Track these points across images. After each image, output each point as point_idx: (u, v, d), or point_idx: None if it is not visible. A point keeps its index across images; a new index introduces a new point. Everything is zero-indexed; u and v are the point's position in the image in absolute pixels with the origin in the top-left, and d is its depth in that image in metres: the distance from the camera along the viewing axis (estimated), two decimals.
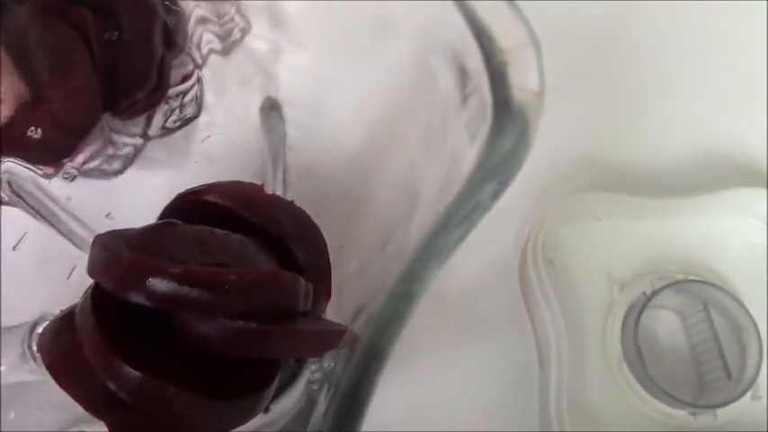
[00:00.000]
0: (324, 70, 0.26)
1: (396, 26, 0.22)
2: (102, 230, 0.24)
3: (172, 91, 0.30)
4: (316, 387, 0.24)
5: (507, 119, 0.16)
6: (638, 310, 0.33)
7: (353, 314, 0.25)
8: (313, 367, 0.25)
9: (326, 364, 0.24)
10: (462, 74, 0.18)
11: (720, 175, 0.39)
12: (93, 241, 0.23)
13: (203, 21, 0.28)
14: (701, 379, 0.34)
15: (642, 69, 0.41)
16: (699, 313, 0.34)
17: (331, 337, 0.23)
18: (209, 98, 0.30)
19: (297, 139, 0.28)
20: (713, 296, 0.34)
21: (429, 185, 0.21)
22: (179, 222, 0.25)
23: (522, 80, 0.16)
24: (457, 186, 0.16)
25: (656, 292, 0.33)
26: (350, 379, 0.16)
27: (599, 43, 0.40)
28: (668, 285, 0.33)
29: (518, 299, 0.35)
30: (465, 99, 0.18)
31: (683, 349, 0.35)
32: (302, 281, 0.24)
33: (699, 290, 0.34)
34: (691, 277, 0.34)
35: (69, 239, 0.28)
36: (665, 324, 0.35)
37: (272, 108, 0.27)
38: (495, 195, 0.16)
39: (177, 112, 0.30)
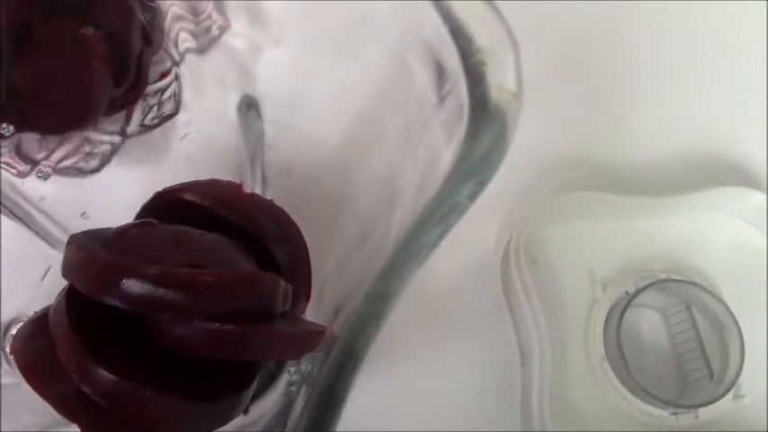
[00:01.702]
0: (303, 67, 0.26)
1: (374, 24, 0.22)
2: (78, 230, 0.24)
3: (150, 88, 0.29)
4: (294, 389, 0.24)
5: (484, 120, 0.16)
6: (620, 310, 0.33)
7: (333, 313, 0.25)
8: (292, 369, 0.25)
9: (304, 367, 0.24)
10: (440, 73, 0.18)
11: (705, 174, 0.39)
12: (68, 241, 0.23)
13: (180, 18, 0.28)
14: (684, 378, 0.34)
15: (627, 68, 0.41)
16: (681, 313, 0.34)
17: (309, 338, 0.23)
18: (187, 96, 0.29)
19: (275, 137, 0.28)
20: (696, 296, 0.34)
21: (407, 183, 0.20)
22: (156, 222, 0.25)
23: (500, 80, 0.16)
24: (435, 185, 0.16)
25: (638, 292, 0.33)
26: (326, 379, 0.16)
27: (585, 42, 0.40)
28: (651, 284, 0.33)
29: (500, 298, 0.35)
30: (442, 98, 0.18)
31: (665, 348, 0.35)
32: (281, 282, 0.23)
33: (681, 289, 0.34)
34: (674, 276, 0.34)
35: (44, 239, 0.28)
36: (648, 323, 0.35)
37: (249, 106, 0.27)
38: (473, 196, 0.16)
39: (155, 109, 0.30)
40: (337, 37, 0.24)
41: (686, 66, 0.41)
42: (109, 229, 0.24)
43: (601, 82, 0.40)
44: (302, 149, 0.27)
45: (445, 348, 0.34)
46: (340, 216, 0.26)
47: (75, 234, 0.24)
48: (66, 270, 0.23)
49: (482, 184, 0.16)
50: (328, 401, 0.15)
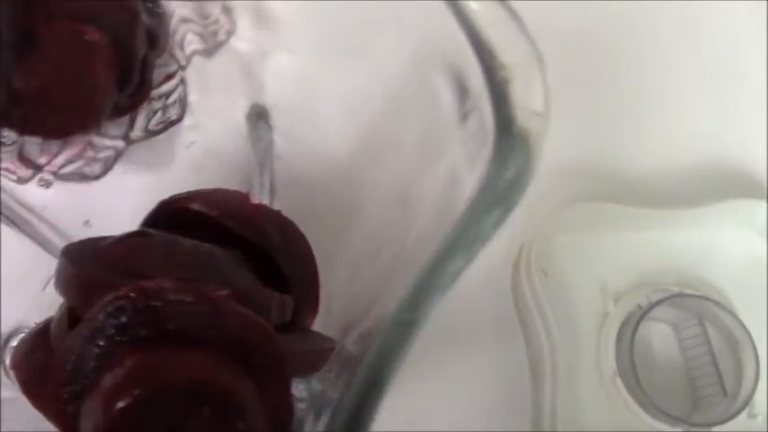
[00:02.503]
0: (313, 75, 0.25)
1: (390, 32, 0.21)
2: (79, 239, 0.23)
3: (154, 92, 0.29)
4: (302, 406, 0.23)
5: (510, 144, 0.15)
6: (633, 324, 0.32)
7: (343, 328, 0.24)
8: (300, 386, 0.24)
9: (314, 386, 0.23)
10: (461, 89, 0.17)
11: (718, 186, 0.38)
12: (62, 252, 0.22)
13: (186, 20, 0.27)
14: (695, 394, 0.33)
15: (639, 78, 0.40)
16: (694, 327, 0.34)
17: (319, 356, 0.23)
18: (193, 100, 0.29)
19: (284, 147, 0.27)
20: (709, 310, 0.33)
21: (426, 199, 0.20)
22: (151, 232, 0.24)
23: (526, 100, 0.15)
24: (457, 208, 0.16)
25: (653, 306, 0.32)
26: (351, 406, 0.15)
27: (596, 51, 0.39)
28: (665, 299, 0.32)
29: (510, 310, 0.34)
30: (464, 116, 0.17)
31: (676, 363, 0.34)
32: (274, 296, 0.22)
33: (695, 303, 0.33)
34: (687, 291, 0.33)
35: (45, 248, 0.27)
36: (659, 337, 0.35)
37: (259, 116, 0.26)
38: (498, 224, 0.15)
39: (160, 114, 0.29)
40: (350, 44, 0.24)
41: (698, 78, 0.41)
42: (106, 238, 0.24)
43: (613, 93, 0.39)
44: (312, 160, 0.26)
45: (453, 362, 0.33)
46: (350, 229, 0.25)
47: (72, 244, 0.23)
48: (57, 283, 0.22)
49: (507, 212, 0.15)
50: (354, 428, 0.15)
